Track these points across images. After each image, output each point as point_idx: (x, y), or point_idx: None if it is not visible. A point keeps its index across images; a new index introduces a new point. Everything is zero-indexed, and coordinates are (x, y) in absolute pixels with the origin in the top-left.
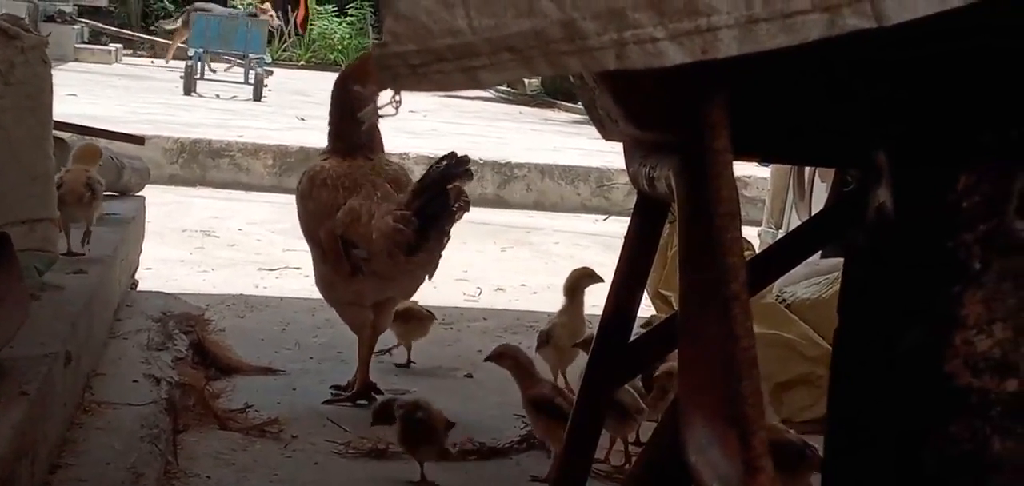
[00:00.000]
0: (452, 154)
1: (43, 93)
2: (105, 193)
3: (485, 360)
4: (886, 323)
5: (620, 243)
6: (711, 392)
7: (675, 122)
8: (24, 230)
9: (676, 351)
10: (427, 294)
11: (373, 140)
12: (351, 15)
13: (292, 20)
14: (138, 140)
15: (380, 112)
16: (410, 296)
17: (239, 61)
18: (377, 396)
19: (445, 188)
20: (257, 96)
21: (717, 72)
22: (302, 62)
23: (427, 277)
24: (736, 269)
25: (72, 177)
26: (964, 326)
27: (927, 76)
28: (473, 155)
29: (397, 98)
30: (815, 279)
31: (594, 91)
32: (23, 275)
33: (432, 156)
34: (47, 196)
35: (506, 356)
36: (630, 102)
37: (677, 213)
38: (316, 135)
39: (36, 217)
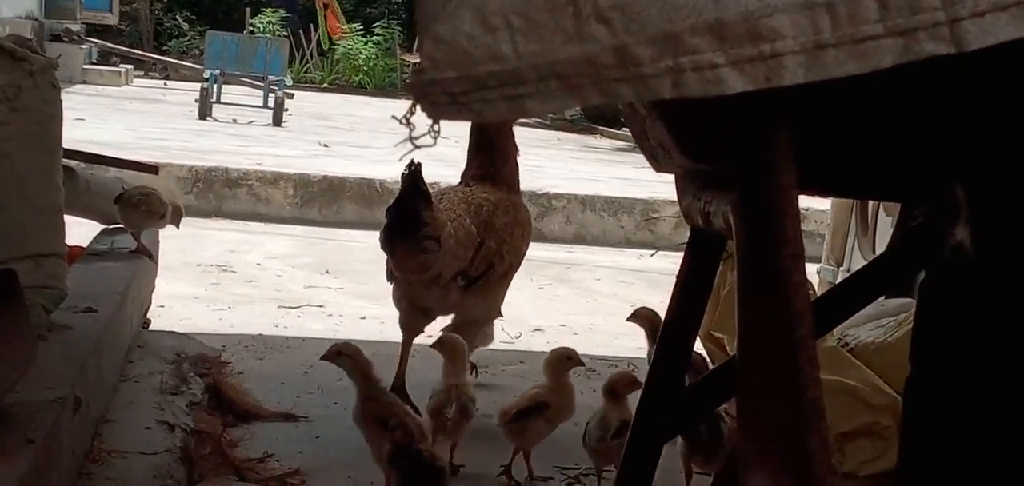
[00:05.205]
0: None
1: (52, 120)
2: (115, 226)
3: (321, 359)
4: (968, 373)
5: (667, 280)
6: (774, 445)
7: (734, 154)
8: (30, 265)
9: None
10: None
11: (508, 176)
12: (377, 34)
13: (314, 40)
14: (152, 169)
15: (417, 141)
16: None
17: (258, 84)
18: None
19: (407, 201)
20: (277, 121)
21: (781, 101)
22: (325, 84)
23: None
24: (802, 313)
25: (137, 185)
26: None
27: (1010, 100)
28: None
29: (436, 128)
30: (880, 321)
31: (645, 120)
32: (29, 314)
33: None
34: (55, 229)
35: (344, 355)
36: (685, 132)
37: (735, 251)
38: (340, 163)
39: (43, 252)
